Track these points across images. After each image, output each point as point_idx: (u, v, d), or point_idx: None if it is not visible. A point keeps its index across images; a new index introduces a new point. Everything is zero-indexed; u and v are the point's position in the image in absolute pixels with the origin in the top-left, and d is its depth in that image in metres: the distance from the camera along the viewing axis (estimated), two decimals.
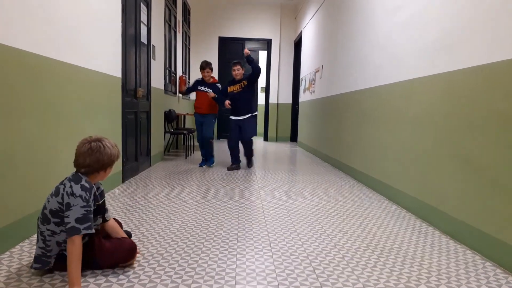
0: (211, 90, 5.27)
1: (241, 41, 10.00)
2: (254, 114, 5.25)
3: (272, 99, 10.17)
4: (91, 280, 1.80)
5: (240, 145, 5.37)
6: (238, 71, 5.16)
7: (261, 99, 11.85)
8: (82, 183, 1.76)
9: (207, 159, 5.49)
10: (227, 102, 5.15)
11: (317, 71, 7.17)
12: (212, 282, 1.81)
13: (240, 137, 5.26)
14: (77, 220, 1.67)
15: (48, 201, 1.78)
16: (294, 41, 10.01)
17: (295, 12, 9.95)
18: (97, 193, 1.89)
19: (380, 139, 3.94)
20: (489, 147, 2.24)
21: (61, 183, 1.80)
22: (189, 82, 9.23)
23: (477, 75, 2.38)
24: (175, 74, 7.47)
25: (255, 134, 5.34)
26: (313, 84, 7.49)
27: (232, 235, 2.48)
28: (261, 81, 11.78)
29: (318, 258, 2.15)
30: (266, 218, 2.89)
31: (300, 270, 1.99)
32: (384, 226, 2.79)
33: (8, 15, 2.03)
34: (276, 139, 10.35)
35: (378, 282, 1.87)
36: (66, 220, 1.68)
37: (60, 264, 1.82)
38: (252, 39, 10.00)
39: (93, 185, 1.83)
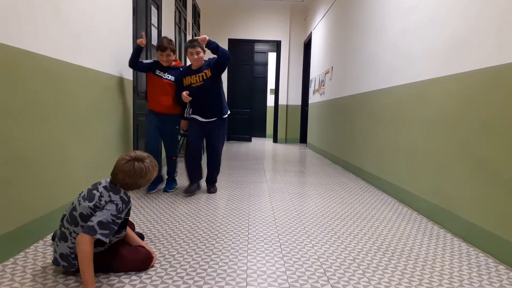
0: (172, 78, 3.62)
1: (251, 43, 10.02)
2: (224, 116, 3.72)
3: (282, 101, 10.16)
4: (104, 280, 1.82)
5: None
6: (197, 56, 3.45)
7: (270, 100, 11.87)
8: (121, 195, 1.83)
9: (166, 181, 3.90)
10: (185, 93, 3.46)
11: (326, 73, 7.16)
12: (223, 284, 1.82)
13: (208, 149, 3.81)
14: (99, 223, 1.69)
15: (80, 204, 1.80)
16: (304, 42, 10.00)
17: (305, 13, 9.94)
18: (130, 206, 1.93)
19: (391, 140, 3.92)
20: (504, 149, 2.22)
21: (96, 189, 1.84)
22: None
23: (491, 76, 2.36)
24: None
25: (223, 145, 3.84)
26: (323, 85, 7.47)
27: (242, 237, 2.49)
28: (271, 83, 11.80)
29: (328, 260, 2.15)
30: (276, 220, 2.89)
31: (311, 272, 1.99)
32: (395, 228, 2.77)
33: (20, 19, 2.07)
34: (286, 141, 10.34)
35: (389, 285, 1.86)
36: (91, 218, 1.71)
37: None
38: (262, 40, 10.01)
39: (130, 199, 1.88)
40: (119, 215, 1.77)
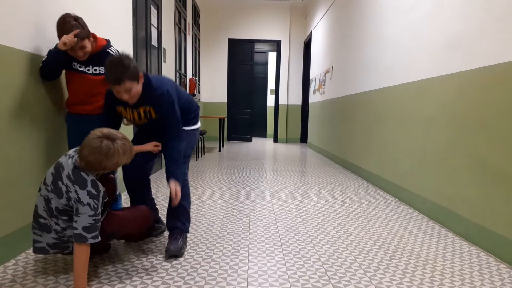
0: (102, 70, 2.39)
1: (251, 43, 10.02)
2: (192, 128, 2.43)
3: (282, 101, 10.17)
4: (105, 281, 1.82)
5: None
6: (130, 94, 1.95)
7: (270, 100, 11.87)
8: (88, 188, 1.65)
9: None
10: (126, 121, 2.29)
11: (327, 72, 7.16)
12: (225, 284, 1.82)
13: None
14: (85, 229, 1.63)
15: (50, 198, 1.70)
16: (304, 42, 10.00)
17: (305, 13, 9.94)
18: (103, 191, 1.74)
19: (392, 140, 3.91)
20: (505, 148, 2.22)
21: (60, 179, 1.68)
22: (199, 85, 9.27)
23: (491, 74, 2.35)
24: (185, 76, 7.52)
25: (188, 157, 2.37)
26: (323, 85, 7.47)
27: (243, 237, 2.49)
28: (271, 83, 11.81)
29: (330, 259, 2.15)
30: (277, 220, 2.89)
31: (312, 271, 1.99)
32: (396, 228, 2.77)
33: (20, 19, 2.07)
34: (286, 141, 10.34)
35: (390, 284, 1.86)
36: (74, 224, 1.64)
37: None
38: (262, 40, 10.01)
39: (100, 187, 1.69)
40: (96, 212, 1.65)
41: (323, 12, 7.70)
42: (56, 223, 1.73)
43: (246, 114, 10.23)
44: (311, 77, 9.08)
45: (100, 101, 2.34)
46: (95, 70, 2.38)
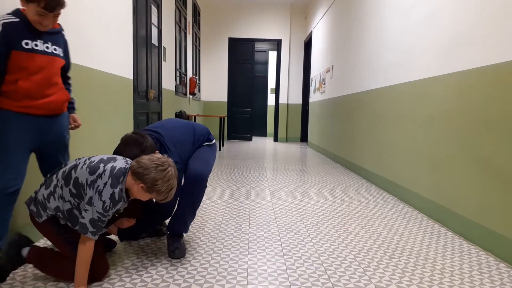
0: (59, 49, 1.95)
1: (251, 42, 10.02)
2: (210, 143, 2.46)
3: (282, 100, 10.16)
4: (105, 279, 1.82)
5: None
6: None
7: (271, 99, 11.88)
8: (115, 190, 1.65)
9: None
10: None
11: (327, 71, 7.15)
12: (224, 282, 1.83)
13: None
14: (91, 221, 1.63)
15: (82, 168, 1.69)
16: (304, 41, 9.99)
17: (305, 12, 9.93)
18: (121, 207, 1.75)
19: (392, 139, 3.91)
20: (505, 147, 2.22)
21: (106, 162, 1.70)
22: (199, 84, 9.27)
23: (492, 74, 2.35)
24: (186, 75, 7.52)
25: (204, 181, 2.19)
26: (324, 84, 7.47)
27: (243, 236, 2.49)
28: (271, 82, 11.81)
29: (329, 258, 2.15)
30: (277, 219, 2.89)
31: (312, 270, 1.99)
32: (396, 227, 2.77)
33: None
34: (286, 140, 10.34)
35: (390, 283, 1.86)
36: (83, 213, 1.64)
37: (45, 228, 1.77)
38: (262, 39, 10.01)
39: (124, 201, 1.71)
40: (104, 214, 1.64)
41: (323, 11, 7.70)
42: (61, 189, 1.70)
43: (246, 113, 10.23)
44: (311, 76, 9.08)
45: (62, 95, 1.99)
46: (55, 49, 1.92)
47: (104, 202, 1.64)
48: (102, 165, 1.70)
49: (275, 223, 2.79)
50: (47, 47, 1.88)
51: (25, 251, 1.77)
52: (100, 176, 1.66)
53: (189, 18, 7.73)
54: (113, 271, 1.91)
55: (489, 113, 2.36)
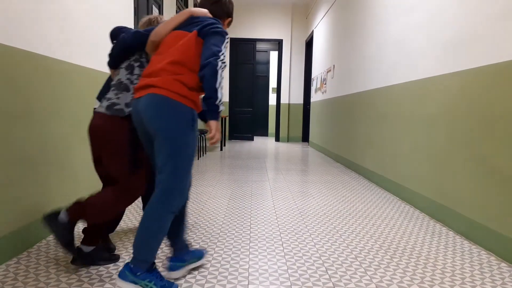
0: None
1: (252, 42, 10.02)
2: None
3: (284, 99, 10.16)
4: (106, 279, 1.83)
5: None
6: None
7: (272, 99, 11.88)
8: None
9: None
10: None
11: (328, 71, 7.15)
12: (225, 282, 1.83)
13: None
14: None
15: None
16: (305, 41, 9.99)
17: (306, 12, 9.93)
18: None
19: (393, 139, 3.91)
20: (505, 147, 2.21)
21: None
22: None
23: (493, 74, 2.35)
24: None
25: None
26: (325, 84, 7.47)
27: (244, 235, 2.50)
28: (272, 82, 11.81)
29: (330, 258, 2.15)
30: (278, 219, 2.89)
31: (313, 270, 1.99)
32: (397, 227, 2.77)
33: (21, 19, 2.08)
34: (288, 140, 10.33)
35: (391, 283, 1.87)
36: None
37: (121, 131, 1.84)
38: (263, 39, 10.01)
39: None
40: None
41: (324, 11, 7.69)
42: (133, 77, 1.89)
43: (248, 113, 10.23)
44: (312, 76, 9.08)
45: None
46: None
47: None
48: None
49: (276, 223, 2.79)
50: None
51: (62, 217, 1.76)
52: None
53: None
54: (114, 271, 1.91)
55: (491, 113, 2.35)
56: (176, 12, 6.12)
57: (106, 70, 3.21)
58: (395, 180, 3.81)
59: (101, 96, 2.17)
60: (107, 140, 1.82)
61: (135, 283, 1.59)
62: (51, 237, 2.37)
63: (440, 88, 2.96)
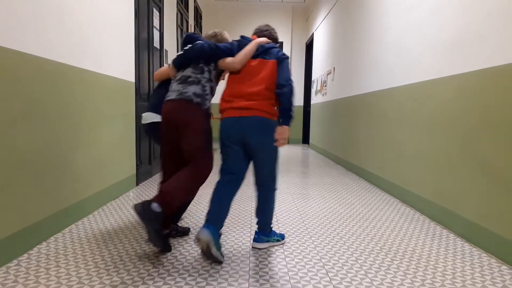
0: None
1: None
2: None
3: None
4: (107, 281, 1.83)
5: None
6: None
7: None
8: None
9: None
10: None
11: (328, 73, 7.16)
12: (226, 284, 1.83)
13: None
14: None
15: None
16: (306, 43, 10.00)
17: (306, 14, 9.95)
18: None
19: (394, 141, 3.91)
20: (507, 149, 2.22)
21: None
22: None
23: (493, 76, 2.35)
24: None
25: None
26: (325, 86, 7.47)
27: (245, 238, 2.50)
28: None
29: (331, 260, 2.15)
30: (278, 221, 2.89)
31: (313, 272, 1.99)
32: (398, 229, 2.77)
33: (22, 21, 2.08)
34: (288, 141, 10.34)
35: (391, 285, 1.86)
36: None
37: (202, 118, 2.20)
38: None
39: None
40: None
41: (325, 13, 7.71)
42: (203, 77, 2.24)
43: None
44: (313, 78, 9.09)
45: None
46: None
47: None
48: None
49: (277, 224, 2.79)
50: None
51: (154, 208, 1.95)
52: None
53: (191, 21, 7.75)
54: (114, 273, 1.91)
55: (491, 115, 2.36)
56: (176, 15, 6.14)
57: (108, 73, 3.21)
58: (396, 182, 3.81)
59: (153, 108, 2.51)
60: (189, 118, 2.15)
61: (268, 241, 2.33)
62: (51, 239, 2.37)
63: (441, 90, 2.96)
